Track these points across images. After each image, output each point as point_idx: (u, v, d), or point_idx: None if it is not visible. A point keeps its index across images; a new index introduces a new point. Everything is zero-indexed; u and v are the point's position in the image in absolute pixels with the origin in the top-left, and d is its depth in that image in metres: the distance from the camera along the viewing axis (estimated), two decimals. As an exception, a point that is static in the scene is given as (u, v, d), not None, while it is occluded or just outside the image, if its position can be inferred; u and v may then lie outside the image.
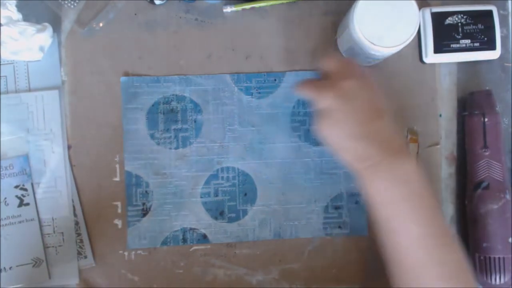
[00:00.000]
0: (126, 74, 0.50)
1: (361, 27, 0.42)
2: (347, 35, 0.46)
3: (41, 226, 0.48)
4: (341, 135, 0.40)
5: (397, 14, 0.43)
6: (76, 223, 0.49)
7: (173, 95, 0.50)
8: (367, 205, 0.42)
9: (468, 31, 0.49)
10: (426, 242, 0.39)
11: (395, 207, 0.40)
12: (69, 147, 0.49)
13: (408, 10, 0.43)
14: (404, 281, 0.40)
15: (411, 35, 0.43)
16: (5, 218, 0.48)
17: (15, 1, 0.46)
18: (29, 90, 0.49)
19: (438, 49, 0.49)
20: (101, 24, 0.50)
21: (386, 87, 0.51)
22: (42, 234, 0.48)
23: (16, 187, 0.48)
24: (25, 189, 0.48)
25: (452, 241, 0.40)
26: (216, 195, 0.50)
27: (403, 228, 0.39)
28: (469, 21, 0.49)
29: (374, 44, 0.43)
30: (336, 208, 0.51)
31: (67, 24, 0.50)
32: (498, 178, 0.48)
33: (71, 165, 0.49)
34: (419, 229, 0.39)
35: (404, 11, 0.43)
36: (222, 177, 0.50)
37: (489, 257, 0.48)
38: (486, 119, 0.48)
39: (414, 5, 0.43)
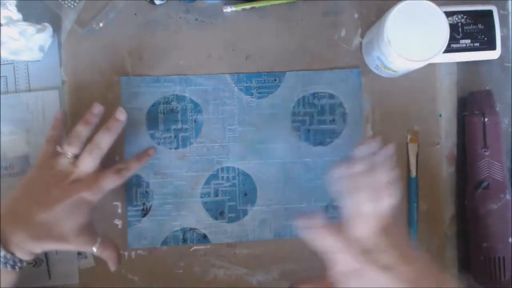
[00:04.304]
0: (126, 74, 0.50)
1: (393, 41, 0.42)
2: (377, 48, 0.45)
3: (41, 226, 0.48)
4: None
5: (428, 28, 0.42)
6: (76, 223, 0.49)
7: (173, 95, 0.50)
8: None
9: (468, 31, 0.49)
10: None
11: None
12: (69, 147, 0.49)
13: (438, 24, 0.42)
14: None
15: (439, 50, 0.42)
16: (5, 218, 0.48)
17: (15, 1, 0.46)
18: (29, 90, 0.49)
19: (438, 49, 0.49)
20: (101, 24, 0.50)
21: (386, 87, 0.51)
22: (42, 234, 0.48)
23: (16, 187, 0.48)
24: (25, 189, 0.48)
25: None
26: (216, 195, 0.50)
27: None
28: (469, 21, 0.49)
29: (406, 59, 0.42)
30: (336, 208, 0.51)
31: (67, 24, 0.50)
32: (498, 178, 0.48)
33: (71, 165, 0.49)
34: None
35: (434, 25, 0.42)
36: (222, 177, 0.50)
37: (489, 257, 0.48)
38: (486, 119, 0.48)
39: (444, 19, 0.42)
